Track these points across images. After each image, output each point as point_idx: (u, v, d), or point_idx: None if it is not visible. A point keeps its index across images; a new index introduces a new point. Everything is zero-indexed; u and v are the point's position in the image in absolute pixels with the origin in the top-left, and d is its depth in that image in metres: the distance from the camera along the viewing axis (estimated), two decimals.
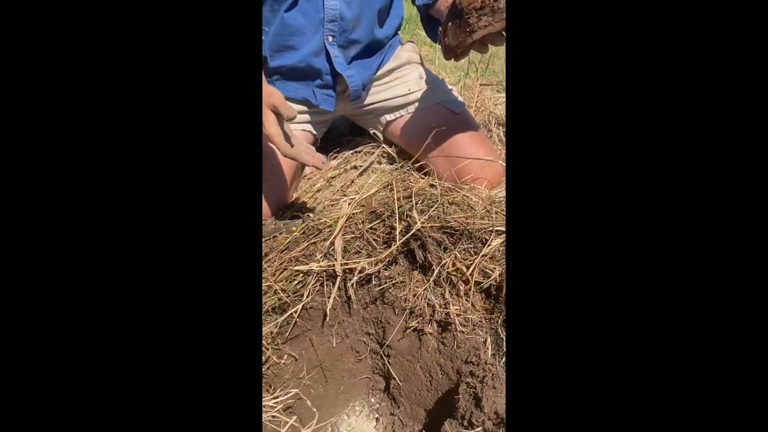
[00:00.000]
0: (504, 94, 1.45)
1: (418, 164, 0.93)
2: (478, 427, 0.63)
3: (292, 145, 0.77)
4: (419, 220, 0.77)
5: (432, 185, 0.86)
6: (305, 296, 0.78)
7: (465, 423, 0.65)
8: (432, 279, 0.77)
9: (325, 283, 0.80)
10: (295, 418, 0.70)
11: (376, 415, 0.83)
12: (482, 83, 1.47)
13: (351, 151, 1.10)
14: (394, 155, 1.02)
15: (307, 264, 0.78)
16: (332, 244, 0.80)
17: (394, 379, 0.82)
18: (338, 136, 1.24)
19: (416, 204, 0.81)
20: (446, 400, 0.75)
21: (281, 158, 0.89)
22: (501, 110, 1.27)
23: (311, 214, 0.84)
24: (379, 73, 1.02)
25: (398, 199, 0.82)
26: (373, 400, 0.85)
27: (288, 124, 0.79)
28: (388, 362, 0.82)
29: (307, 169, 1.09)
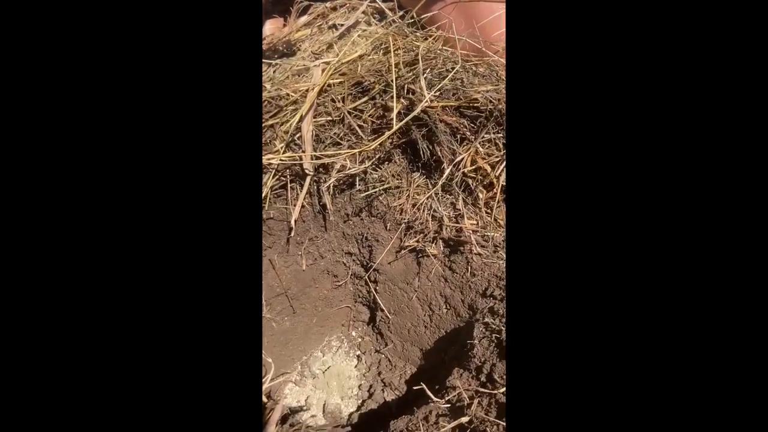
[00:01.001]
0: None
1: (425, 17, 0.64)
2: (502, 387, 0.45)
3: None
4: (427, 95, 0.52)
5: (446, 46, 0.59)
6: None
7: (482, 378, 0.48)
8: (440, 183, 0.57)
9: (288, 184, 0.59)
10: None
11: (358, 352, 0.67)
12: None
13: (328, 3, 0.80)
14: (389, 12, 0.72)
15: (262, 156, 0.55)
16: (298, 128, 0.55)
17: (382, 310, 0.65)
18: None
19: (423, 73, 0.55)
20: (452, 342, 0.58)
21: None
22: None
23: (267, 85, 0.58)
24: None
25: (396, 66, 0.56)
26: (354, 333, 0.68)
27: None
28: (375, 290, 0.65)
29: (266, 29, 0.79)
